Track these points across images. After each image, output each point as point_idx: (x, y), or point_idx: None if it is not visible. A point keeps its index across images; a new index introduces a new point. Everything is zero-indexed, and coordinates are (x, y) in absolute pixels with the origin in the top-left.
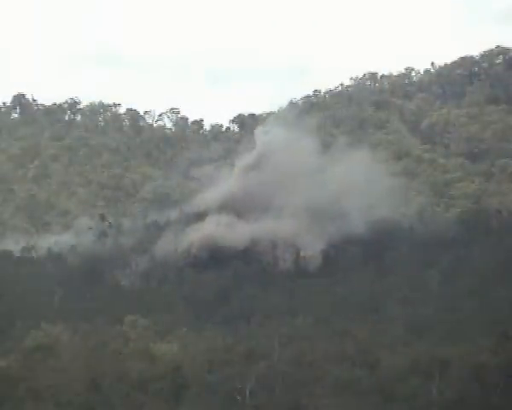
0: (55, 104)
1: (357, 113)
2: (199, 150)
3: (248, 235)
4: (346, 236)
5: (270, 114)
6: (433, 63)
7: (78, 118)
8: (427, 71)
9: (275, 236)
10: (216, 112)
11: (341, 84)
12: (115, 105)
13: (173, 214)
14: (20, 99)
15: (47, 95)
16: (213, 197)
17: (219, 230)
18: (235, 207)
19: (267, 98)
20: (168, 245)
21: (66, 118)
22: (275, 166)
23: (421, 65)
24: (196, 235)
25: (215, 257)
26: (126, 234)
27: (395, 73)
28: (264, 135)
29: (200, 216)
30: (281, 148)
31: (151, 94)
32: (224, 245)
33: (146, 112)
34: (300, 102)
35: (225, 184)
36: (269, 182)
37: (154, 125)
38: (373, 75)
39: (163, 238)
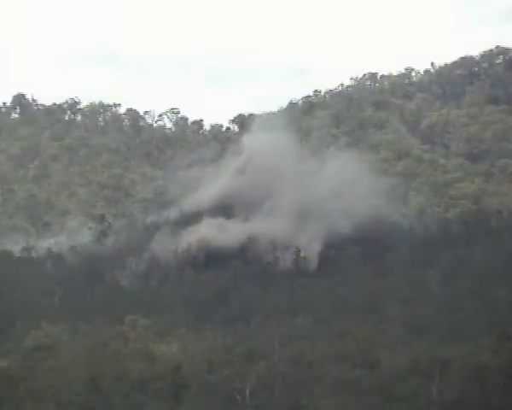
0: (55, 104)
1: (357, 113)
2: (199, 150)
3: (248, 235)
4: (345, 236)
5: (269, 114)
6: (433, 63)
7: (78, 118)
8: (427, 71)
9: (273, 236)
10: (216, 112)
11: (341, 85)
12: (115, 105)
13: (173, 214)
14: (20, 99)
15: (47, 95)
16: (211, 197)
17: (218, 230)
18: (233, 208)
19: (267, 98)
20: (167, 245)
21: (66, 118)
22: (271, 167)
23: (421, 65)
24: (195, 235)
25: (214, 257)
26: (126, 234)
27: (395, 73)
28: (253, 138)
29: (199, 216)
30: (274, 149)
31: (151, 94)
32: (223, 245)
33: (146, 112)
34: (300, 102)
35: (222, 184)
36: (265, 183)
37: (154, 125)
38: (373, 75)
39: (162, 238)
